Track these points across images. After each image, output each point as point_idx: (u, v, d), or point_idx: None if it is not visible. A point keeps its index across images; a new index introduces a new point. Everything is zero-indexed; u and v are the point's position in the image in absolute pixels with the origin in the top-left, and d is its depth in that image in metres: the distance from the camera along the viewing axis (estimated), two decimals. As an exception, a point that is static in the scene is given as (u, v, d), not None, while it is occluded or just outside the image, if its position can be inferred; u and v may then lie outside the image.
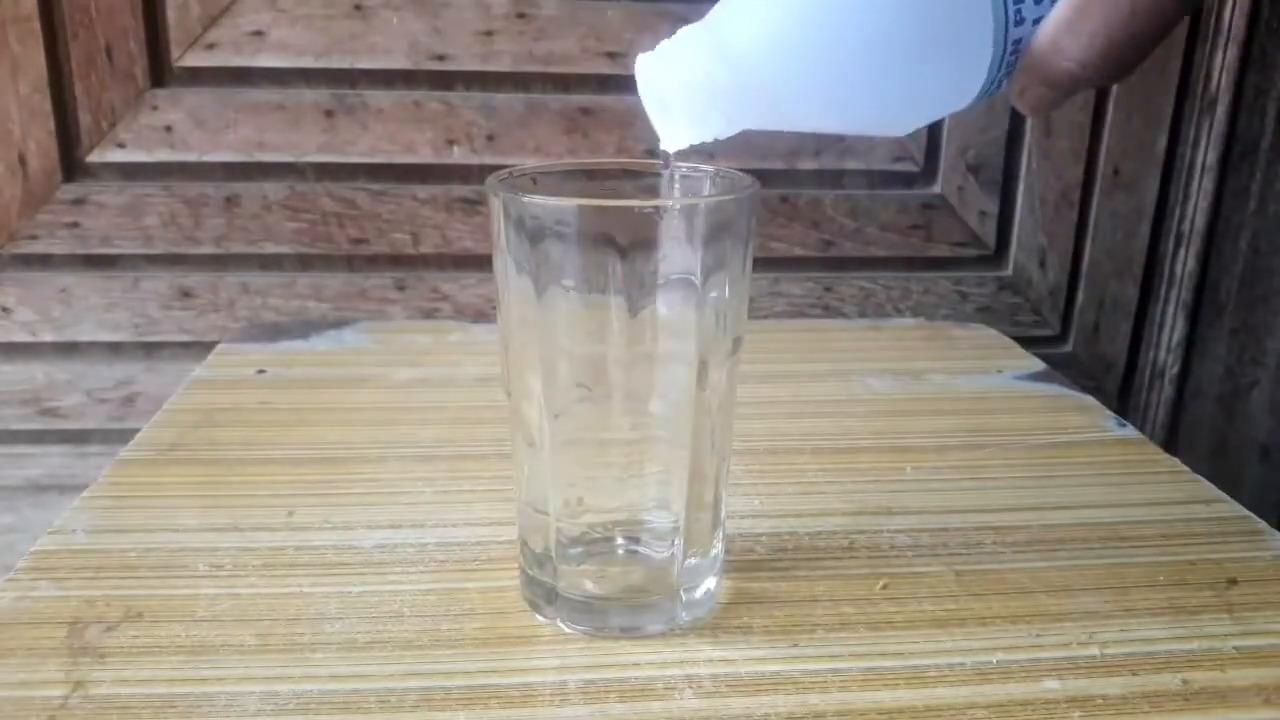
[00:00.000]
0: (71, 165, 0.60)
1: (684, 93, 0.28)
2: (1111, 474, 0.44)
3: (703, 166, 0.33)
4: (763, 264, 0.66)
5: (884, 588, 0.35)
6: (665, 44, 0.28)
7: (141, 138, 0.60)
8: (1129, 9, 0.27)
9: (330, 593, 0.34)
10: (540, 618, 0.33)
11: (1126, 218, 0.67)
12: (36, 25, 0.57)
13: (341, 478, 0.42)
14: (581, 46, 0.61)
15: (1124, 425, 0.49)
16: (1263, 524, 0.39)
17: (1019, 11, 0.27)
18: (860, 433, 0.48)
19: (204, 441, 0.46)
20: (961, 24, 0.27)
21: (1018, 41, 0.28)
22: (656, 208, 0.30)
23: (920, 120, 0.30)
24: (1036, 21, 0.28)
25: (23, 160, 0.59)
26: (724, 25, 0.27)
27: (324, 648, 0.31)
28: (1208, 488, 0.42)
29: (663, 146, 0.29)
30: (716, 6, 0.28)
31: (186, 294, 0.63)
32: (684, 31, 0.28)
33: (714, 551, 0.34)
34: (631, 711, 0.29)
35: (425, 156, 0.62)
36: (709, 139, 0.29)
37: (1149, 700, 0.30)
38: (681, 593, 0.33)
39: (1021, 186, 0.66)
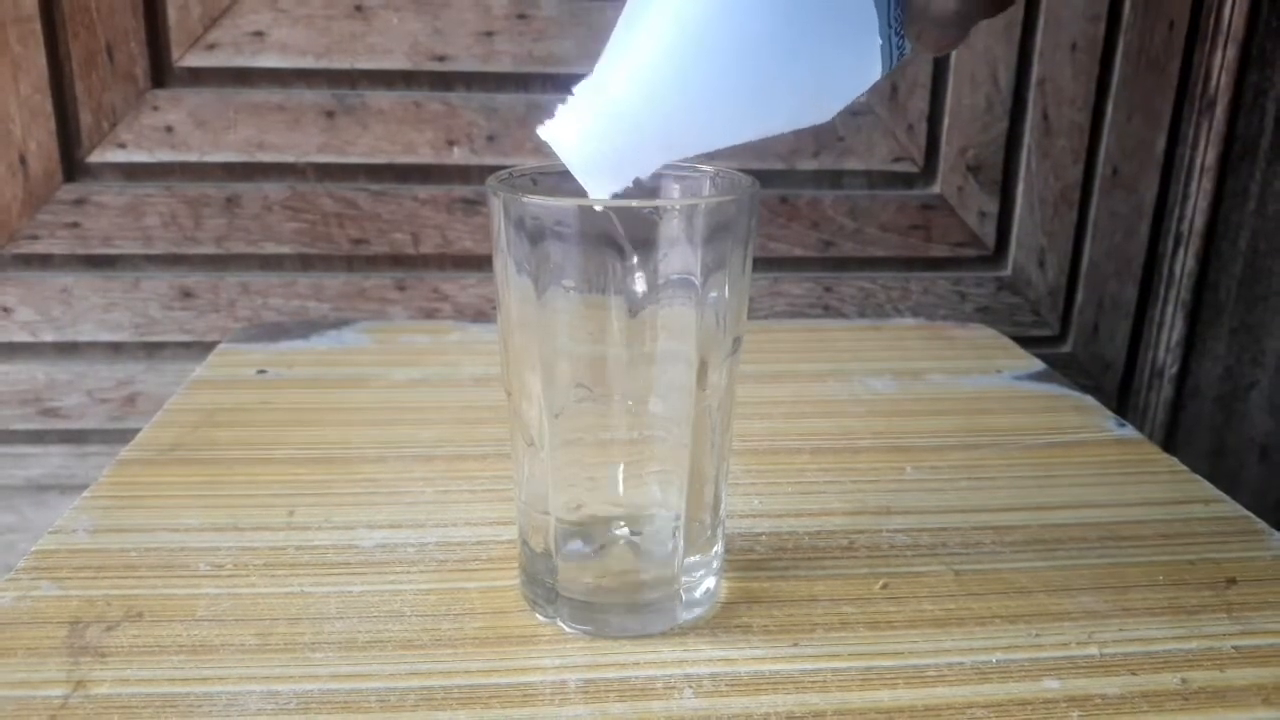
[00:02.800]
0: (72, 165, 0.60)
1: (589, 154, 0.28)
2: (1111, 474, 0.44)
3: (702, 167, 0.33)
4: (763, 264, 0.66)
5: (883, 587, 0.35)
6: (561, 108, 0.28)
7: (142, 138, 0.60)
8: None
9: (331, 592, 0.34)
10: (540, 617, 0.33)
11: (1126, 218, 0.67)
12: (37, 25, 0.57)
13: (342, 478, 0.42)
14: (581, 47, 0.61)
15: (1123, 425, 0.49)
16: (1262, 524, 0.40)
17: None
18: (860, 433, 0.48)
19: (204, 441, 0.46)
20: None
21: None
22: (656, 208, 0.30)
23: (838, 101, 0.29)
24: None
25: (23, 160, 0.59)
26: (609, 79, 0.28)
27: (324, 647, 0.31)
28: (1207, 487, 0.42)
29: (591, 196, 0.29)
30: (602, 58, 0.29)
31: (187, 294, 0.63)
32: (576, 90, 0.28)
33: (714, 551, 0.34)
34: (631, 711, 0.29)
35: (425, 157, 0.62)
36: (630, 183, 0.29)
37: (1148, 700, 0.30)
38: (681, 592, 0.33)
39: (1021, 186, 0.66)
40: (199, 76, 0.60)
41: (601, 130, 0.28)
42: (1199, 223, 0.67)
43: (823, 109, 0.29)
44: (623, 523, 0.33)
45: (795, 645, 0.32)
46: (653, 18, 0.28)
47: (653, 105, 0.28)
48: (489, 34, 0.60)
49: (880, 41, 0.28)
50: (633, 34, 0.28)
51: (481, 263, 0.64)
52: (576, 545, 0.33)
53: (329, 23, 0.59)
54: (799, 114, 0.29)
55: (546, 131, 0.29)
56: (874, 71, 0.29)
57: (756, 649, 0.32)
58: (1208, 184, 0.66)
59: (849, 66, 0.28)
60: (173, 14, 0.58)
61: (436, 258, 0.64)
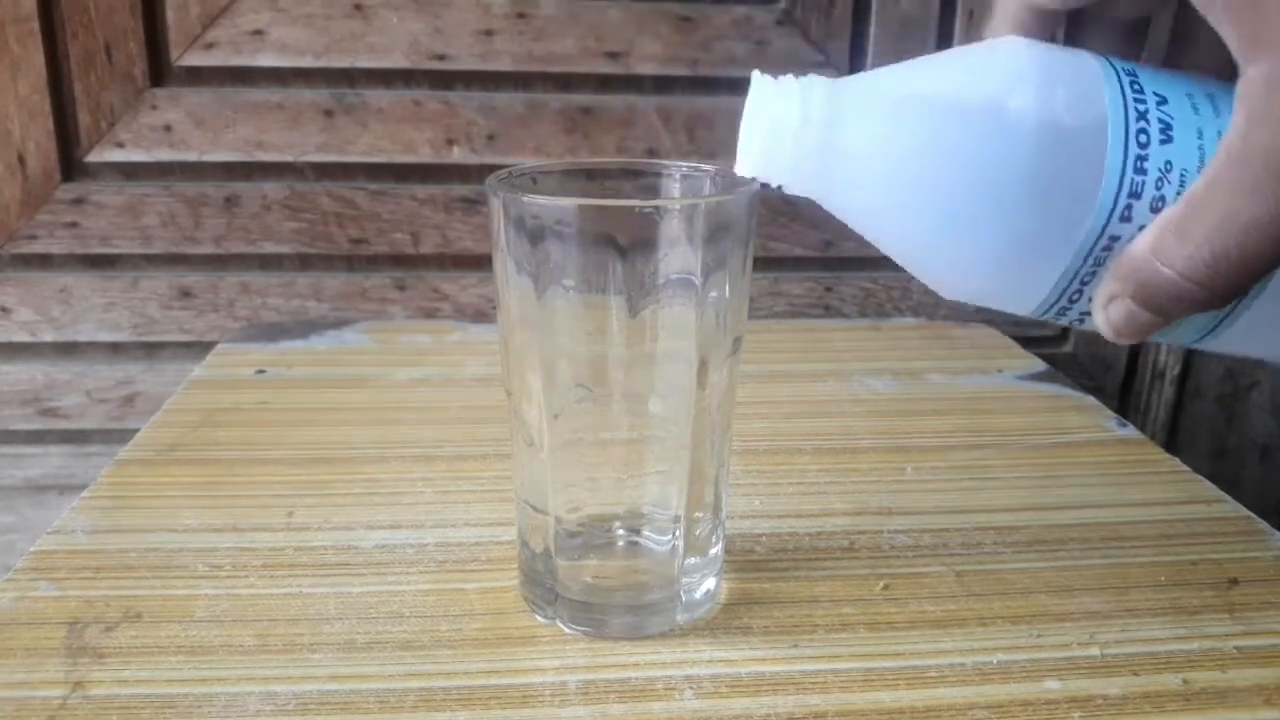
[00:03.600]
0: (71, 165, 0.60)
1: (771, 133, 0.27)
2: (1112, 474, 0.44)
3: (703, 166, 0.33)
4: (763, 264, 0.65)
5: (884, 588, 0.35)
6: (788, 78, 0.27)
7: (141, 137, 0.60)
8: (1245, 219, 0.23)
9: (330, 593, 0.34)
10: (540, 618, 0.33)
11: (1127, 217, 0.67)
12: (36, 25, 0.57)
13: (341, 478, 0.42)
14: (581, 46, 0.61)
15: (1125, 425, 0.49)
16: (1264, 524, 0.39)
17: (1129, 209, 0.25)
18: (860, 433, 0.48)
19: (204, 442, 0.46)
20: (1059, 206, 0.25)
21: (1115, 239, 0.25)
22: (656, 208, 0.30)
23: (968, 297, 0.28)
24: (1142, 229, 0.25)
25: (22, 160, 0.59)
26: (843, 103, 0.27)
27: (323, 648, 0.31)
28: (1208, 488, 0.42)
29: (735, 168, 0.28)
30: (854, 78, 0.27)
31: (186, 294, 0.63)
32: (809, 79, 0.27)
33: (714, 552, 0.34)
34: (631, 712, 0.29)
35: (425, 156, 0.62)
36: (772, 184, 0.28)
37: (1150, 700, 0.29)
38: (681, 593, 0.33)
39: (1022, 186, 0.66)
40: (198, 76, 0.60)
41: (799, 134, 0.27)
42: (1200, 222, 0.67)
43: (950, 288, 0.28)
44: (622, 523, 0.33)
45: (796, 646, 0.32)
46: (930, 105, 0.26)
47: (855, 168, 0.27)
48: (488, 33, 0.60)
49: (1067, 262, 0.26)
50: (907, 91, 0.27)
51: (481, 262, 0.64)
52: (576, 546, 0.33)
53: (328, 22, 0.59)
54: (932, 273, 0.28)
55: (761, 82, 0.27)
56: (1024, 306, 0.28)
57: (757, 650, 0.32)
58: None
59: (1009, 281, 0.27)
60: (171, 13, 0.58)
61: (436, 257, 0.64)
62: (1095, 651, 0.32)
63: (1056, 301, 0.27)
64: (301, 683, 0.30)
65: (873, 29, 0.62)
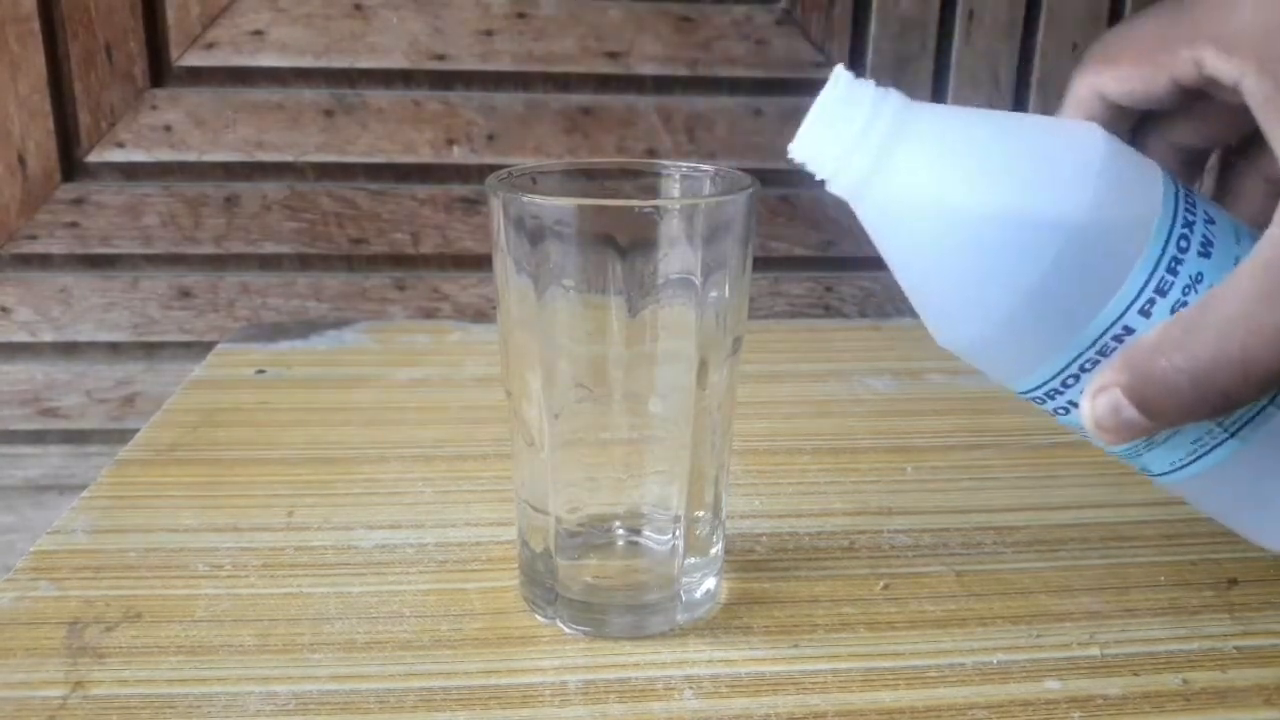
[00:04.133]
0: (71, 165, 0.60)
1: (830, 129, 0.27)
2: (1112, 474, 0.44)
3: (703, 166, 0.33)
4: (763, 264, 0.65)
5: (884, 588, 0.35)
6: (866, 82, 0.27)
7: (141, 137, 0.60)
8: (1257, 324, 0.23)
9: (330, 593, 0.34)
10: (540, 618, 0.33)
11: (1127, 217, 0.67)
12: (36, 25, 0.57)
13: (341, 478, 0.42)
14: (581, 46, 0.61)
15: (1124, 425, 0.49)
16: (1263, 524, 0.39)
17: (1150, 304, 0.25)
18: (860, 433, 0.48)
19: (204, 442, 0.46)
20: (1084, 289, 0.26)
21: (1129, 331, 0.26)
22: (656, 208, 0.30)
23: (965, 352, 0.28)
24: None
25: (22, 160, 0.59)
26: (909, 125, 0.27)
27: (323, 648, 0.31)
28: (1208, 488, 0.42)
29: (790, 145, 0.28)
30: (929, 106, 0.27)
31: (186, 294, 0.63)
32: (887, 91, 0.27)
33: (714, 551, 0.34)
34: (631, 712, 0.29)
35: (425, 156, 0.62)
36: (816, 176, 0.28)
37: (1150, 700, 0.29)
38: (681, 593, 0.33)
39: (1022, 186, 0.66)
40: (198, 76, 0.60)
41: (858, 140, 0.27)
42: (1200, 222, 0.67)
43: (949, 337, 0.28)
44: (622, 523, 0.33)
45: (796, 646, 0.32)
46: (989, 162, 0.26)
47: (897, 193, 0.27)
48: (488, 33, 0.60)
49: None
50: (972, 139, 0.27)
51: (481, 262, 0.64)
52: (576, 546, 0.33)
53: (328, 22, 0.59)
54: (937, 317, 0.28)
55: (840, 76, 0.27)
56: (1018, 375, 0.28)
57: (757, 650, 0.32)
58: (1209, 183, 0.66)
59: (1011, 347, 0.27)
60: (171, 13, 0.58)
61: (436, 257, 0.64)
62: (1095, 651, 0.32)
63: (1049, 382, 0.28)
64: (301, 683, 0.30)
65: (873, 29, 0.62)
